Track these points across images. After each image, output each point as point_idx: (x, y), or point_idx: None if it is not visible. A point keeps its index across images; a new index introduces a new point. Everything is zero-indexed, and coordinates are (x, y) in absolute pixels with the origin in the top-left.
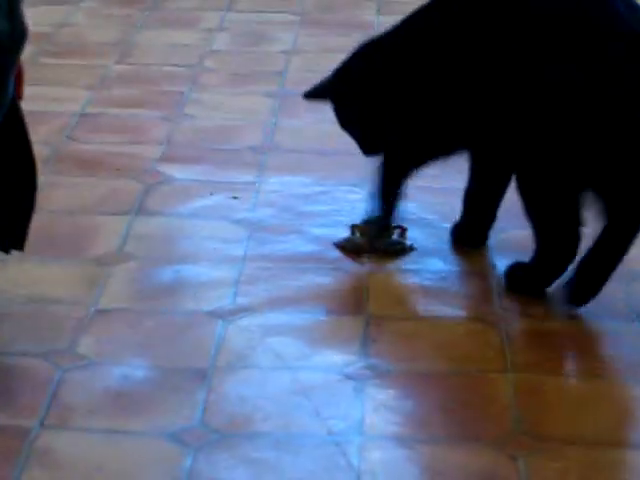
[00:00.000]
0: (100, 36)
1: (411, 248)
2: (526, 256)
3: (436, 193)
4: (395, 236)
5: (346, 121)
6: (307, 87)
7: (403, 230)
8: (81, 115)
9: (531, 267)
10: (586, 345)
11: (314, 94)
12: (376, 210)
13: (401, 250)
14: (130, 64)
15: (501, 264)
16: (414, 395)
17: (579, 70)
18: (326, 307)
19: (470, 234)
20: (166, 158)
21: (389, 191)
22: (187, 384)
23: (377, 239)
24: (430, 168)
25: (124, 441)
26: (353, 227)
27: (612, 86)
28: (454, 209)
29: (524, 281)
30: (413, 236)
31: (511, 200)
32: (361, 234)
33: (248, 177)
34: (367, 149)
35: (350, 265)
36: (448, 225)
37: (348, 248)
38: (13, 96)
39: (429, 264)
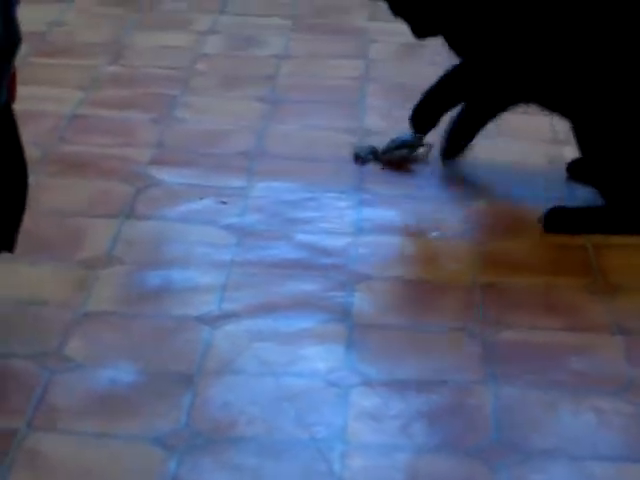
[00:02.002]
0: (92, 36)
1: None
2: (506, 268)
3: (424, 202)
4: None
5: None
6: (297, 92)
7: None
8: (72, 116)
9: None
10: (566, 358)
11: None
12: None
13: (402, 160)
14: (122, 65)
15: (483, 276)
16: (397, 403)
17: None
18: (312, 314)
19: (450, 149)
20: (156, 161)
21: (435, 104)
22: (173, 388)
23: (387, 152)
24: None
25: (110, 444)
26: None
27: None
28: (440, 219)
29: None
30: (401, 244)
31: (489, 213)
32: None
33: (237, 182)
34: (420, 32)
35: (337, 272)
36: (434, 233)
37: (359, 154)
38: (6, 99)
39: (413, 274)
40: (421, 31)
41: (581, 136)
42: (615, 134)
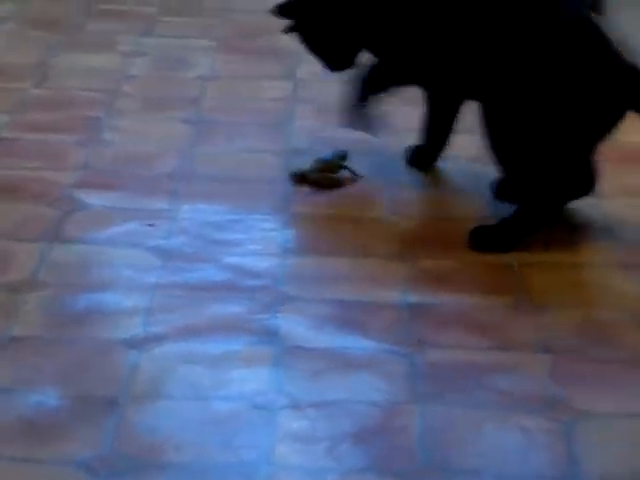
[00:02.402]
0: (18, 58)
1: (338, 182)
2: (434, 286)
3: (350, 222)
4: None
5: (312, 39)
6: (223, 114)
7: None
8: None
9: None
10: (492, 376)
11: (283, 11)
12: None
13: (331, 183)
14: (48, 88)
15: (411, 296)
16: (324, 425)
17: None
18: (238, 336)
19: (421, 157)
20: (82, 184)
21: (363, 98)
22: (99, 413)
23: (316, 172)
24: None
25: (35, 469)
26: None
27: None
28: (367, 239)
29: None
30: (328, 265)
31: (416, 232)
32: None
33: (163, 204)
34: (334, 66)
35: (263, 294)
36: (361, 253)
37: (293, 176)
38: None
39: (340, 294)
40: (336, 65)
41: (491, 126)
42: (523, 123)
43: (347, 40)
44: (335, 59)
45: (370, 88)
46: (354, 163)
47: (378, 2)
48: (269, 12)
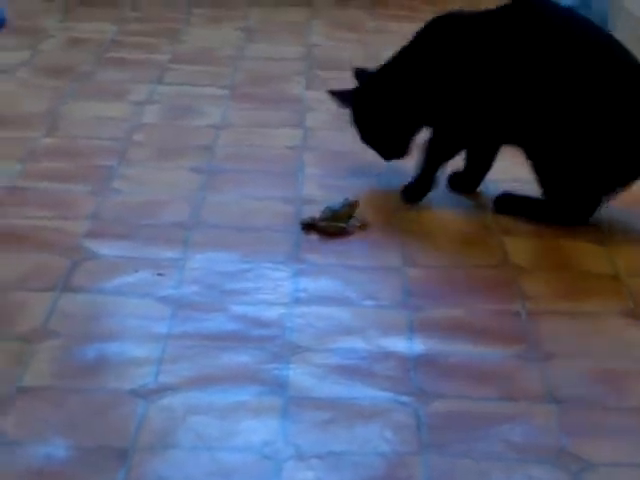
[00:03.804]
0: (29, 107)
1: (346, 231)
2: (440, 336)
3: (359, 271)
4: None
5: (367, 129)
6: (234, 162)
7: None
8: (8, 188)
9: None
10: (499, 427)
11: (339, 95)
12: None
13: (340, 232)
14: (59, 137)
15: (418, 345)
16: (329, 477)
17: None
18: (247, 386)
19: (465, 182)
20: (92, 233)
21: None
22: (108, 464)
23: (326, 221)
24: None
25: None
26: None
27: None
28: (376, 288)
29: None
30: (336, 314)
31: (424, 280)
32: (322, 217)
33: (173, 253)
34: (388, 155)
35: (273, 344)
36: (370, 302)
37: (303, 224)
38: None
39: (349, 343)
40: (393, 154)
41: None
42: (563, 152)
43: (404, 125)
44: (392, 148)
45: (436, 161)
46: (364, 212)
47: (440, 76)
48: (327, 91)
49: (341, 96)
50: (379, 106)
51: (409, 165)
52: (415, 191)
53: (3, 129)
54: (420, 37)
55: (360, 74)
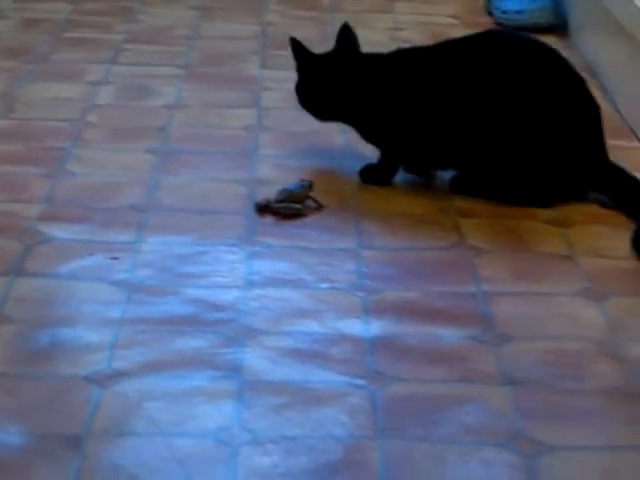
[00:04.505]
0: None
1: (302, 213)
2: (396, 317)
3: (314, 254)
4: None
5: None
6: (188, 143)
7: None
8: None
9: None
10: (455, 409)
11: (301, 50)
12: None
13: (295, 214)
14: (13, 119)
15: (373, 328)
16: (285, 462)
17: None
18: (202, 371)
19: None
20: (46, 217)
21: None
22: (61, 451)
23: (281, 202)
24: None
25: None
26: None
27: None
28: (331, 270)
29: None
30: (291, 297)
31: (380, 262)
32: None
33: (128, 236)
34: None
35: (227, 328)
36: (325, 285)
37: (257, 206)
38: None
39: (304, 326)
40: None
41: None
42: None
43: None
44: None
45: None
46: (319, 194)
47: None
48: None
49: (302, 51)
50: (373, 89)
51: (366, 147)
52: (380, 173)
53: None
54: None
55: (299, 47)
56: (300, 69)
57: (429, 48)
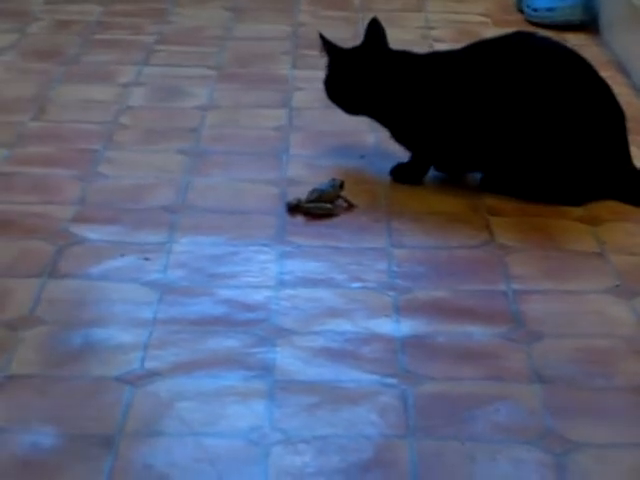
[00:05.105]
0: (17, 91)
1: (332, 212)
2: (427, 317)
3: (345, 253)
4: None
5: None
6: (220, 144)
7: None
8: None
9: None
10: (485, 408)
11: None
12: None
13: (324, 213)
14: (46, 121)
15: (404, 327)
16: (316, 461)
17: None
18: (234, 371)
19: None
20: (78, 218)
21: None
22: (94, 451)
23: (312, 202)
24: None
25: None
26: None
27: None
28: (362, 270)
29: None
30: (322, 297)
31: (411, 261)
32: (308, 198)
33: (160, 237)
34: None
35: (259, 328)
36: (356, 284)
37: (288, 206)
38: None
39: (335, 325)
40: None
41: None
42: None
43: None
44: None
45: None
46: (350, 193)
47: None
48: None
49: (330, 45)
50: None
51: (397, 147)
52: (411, 172)
53: None
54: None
55: (327, 42)
56: (329, 62)
57: (459, 51)
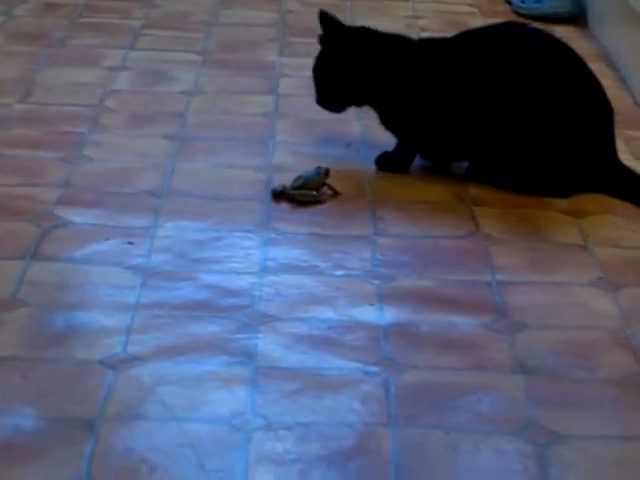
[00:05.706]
0: (2, 73)
1: (318, 199)
2: (410, 305)
3: (330, 241)
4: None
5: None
6: (205, 129)
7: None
8: None
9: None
10: (467, 398)
11: (330, 22)
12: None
13: (309, 200)
14: (31, 103)
15: (387, 315)
16: (297, 448)
17: None
18: (216, 356)
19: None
20: (63, 201)
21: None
22: (76, 434)
23: (297, 189)
24: None
25: None
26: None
27: None
28: (346, 258)
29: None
30: (306, 284)
31: (395, 250)
32: (293, 185)
33: (144, 221)
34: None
35: (242, 314)
36: (339, 272)
37: (273, 193)
38: None
39: (318, 312)
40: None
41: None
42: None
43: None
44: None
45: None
46: (335, 180)
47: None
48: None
49: (332, 23)
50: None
51: (383, 135)
52: (397, 160)
53: None
54: None
55: (327, 18)
56: (323, 39)
57: (448, 39)
